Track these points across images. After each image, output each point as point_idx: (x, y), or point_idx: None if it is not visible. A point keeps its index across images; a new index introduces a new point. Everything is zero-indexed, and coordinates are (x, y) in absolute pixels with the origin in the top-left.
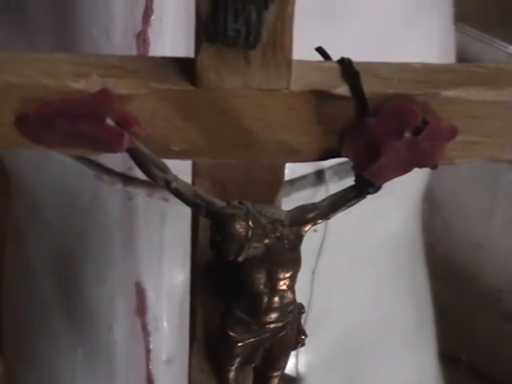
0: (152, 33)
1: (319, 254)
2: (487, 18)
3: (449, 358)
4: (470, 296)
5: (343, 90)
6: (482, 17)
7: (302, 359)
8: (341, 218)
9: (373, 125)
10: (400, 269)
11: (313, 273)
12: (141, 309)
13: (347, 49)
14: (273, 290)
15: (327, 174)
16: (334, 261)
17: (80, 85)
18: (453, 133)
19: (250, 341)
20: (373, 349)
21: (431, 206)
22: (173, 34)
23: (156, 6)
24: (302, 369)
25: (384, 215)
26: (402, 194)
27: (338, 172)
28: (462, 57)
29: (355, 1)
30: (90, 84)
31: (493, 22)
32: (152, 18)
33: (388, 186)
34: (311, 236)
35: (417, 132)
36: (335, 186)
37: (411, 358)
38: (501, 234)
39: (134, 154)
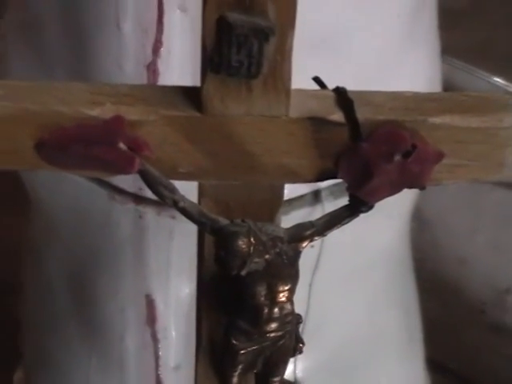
0: (161, 64)
1: (316, 268)
2: (471, 50)
3: (437, 367)
4: (455, 308)
5: (338, 116)
6: (466, 50)
7: (300, 365)
8: (336, 235)
9: (366, 149)
10: (392, 282)
11: (310, 286)
12: (151, 319)
13: (343, 79)
14: (273, 301)
15: (323, 194)
16: (330, 275)
17: (94, 112)
18: (439, 156)
19: (251, 349)
20: (366, 357)
21: (419, 225)
22: (180, 65)
23: (165, 39)
24: (299, 374)
25: (376, 232)
26: (392, 213)
27: (334, 192)
28: (447, 86)
29: (351, 35)
30: (103, 111)
31: (475, 55)
32: (161, 50)
33: (380, 205)
34: (308, 251)
35: (406, 156)
36: (331, 205)
37: (402, 366)
38: (484, 250)
39: (145, 176)
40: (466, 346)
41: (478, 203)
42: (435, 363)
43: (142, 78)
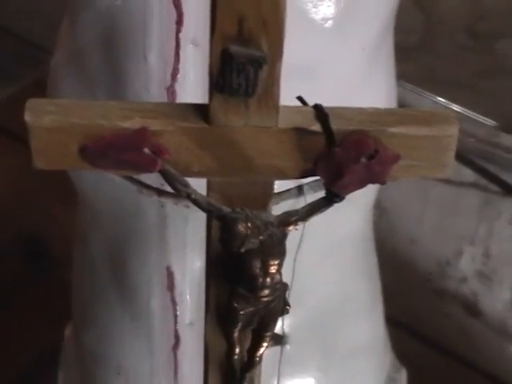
0: (178, 86)
1: (299, 246)
2: (419, 77)
3: (392, 322)
4: (408, 277)
5: (317, 127)
6: (416, 76)
7: (286, 322)
8: (315, 220)
9: (338, 153)
10: (358, 257)
11: (294, 260)
12: (170, 286)
13: (319, 98)
14: (265, 273)
15: (305, 188)
16: (310, 252)
17: (126, 124)
18: (396, 158)
19: (249, 310)
20: (339, 315)
21: (379, 212)
22: (193, 87)
23: (181, 67)
24: (286, 329)
25: (346, 219)
26: (359, 203)
27: (313, 187)
28: (401, 104)
29: (325, 64)
30: (133, 123)
31: (423, 80)
32: (178, 76)
33: (349, 197)
34: (293, 233)
35: (370, 158)
36: (311, 197)
37: (367, 322)
38: (430, 232)
39: (165, 174)
40: (416, 306)
41: (424, 195)
42: (391, 319)
43: (163, 98)
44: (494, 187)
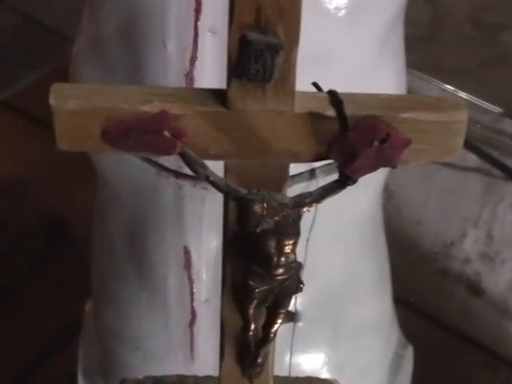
0: (196, 73)
1: (311, 227)
2: (427, 65)
3: (400, 301)
4: (414, 257)
5: (331, 112)
6: (424, 65)
7: (299, 300)
8: (326, 203)
9: (352, 137)
10: (367, 237)
11: (307, 240)
12: (187, 265)
13: (332, 85)
14: (280, 252)
15: (317, 172)
16: (322, 232)
17: (146, 108)
18: (407, 143)
19: (264, 288)
20: (348, 293)
21: (387, 195)
22: (210, 74)
23: (199, 54)
24: (298, 307)
25: (357, 201)
26: (369, 186)
27: (325, 170)
28: (410, 91)
29: (339, 51)
30: (153, 107)
31: (430, 68)
32: (196, 62)
33: (359, 180)
34: (306, 214)
35: (382, 142)
36: (322, 180)
37: (375, 300)
38: (435, 214)
39: (184, 157)
40: (422, 285)
41: (430, 179)
42: (399, 298)
43: (181, 84)
44: (497, 172)
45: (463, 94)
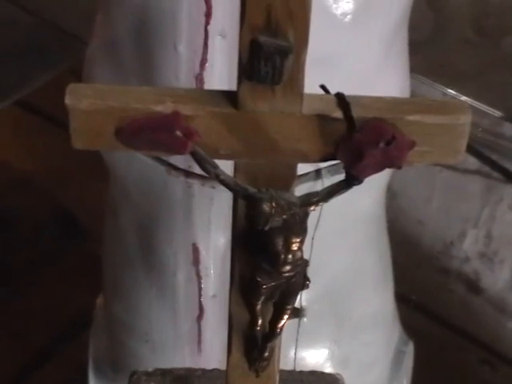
0: (206, 75)
1: (317, 225)
2: (430, 70)
3: (402, 297)
4: (417, 256)
5: (338, 114)
6: (427, 69)
7: (304, 296)
8: (332, 201)
9: (358, 138)
10: (371, 235)
11: (312, 238)
12: (196, 261)
13: (338, 87)
14: (287, 250)
15: (323, 172)
16: (327, 230)
17: (159, 108)
18: (412, 145)
19: (271, 284)
20: (351, 290)
21: (390, 195)
22: (219, 76)
23: (209, 57)
24: (304, 303)
25: (361, 200)
26: (373, 186)
27: (330, 171)
28: (413, 95)
29: (345, 55)
30: (165, 107)
31: (434, 73)
32: (206, 65)
33: (365, 181)
34: (311, 213)
35: (388, 143)
36: (328, 181)
37: (377, 297)
38: (436, 214)
39: (195, 156)
40: (424, 283)
41: (431, 180)
42: (401, 295)
43: (191, 85)
44: (496, 174)
45: (464, 98)
